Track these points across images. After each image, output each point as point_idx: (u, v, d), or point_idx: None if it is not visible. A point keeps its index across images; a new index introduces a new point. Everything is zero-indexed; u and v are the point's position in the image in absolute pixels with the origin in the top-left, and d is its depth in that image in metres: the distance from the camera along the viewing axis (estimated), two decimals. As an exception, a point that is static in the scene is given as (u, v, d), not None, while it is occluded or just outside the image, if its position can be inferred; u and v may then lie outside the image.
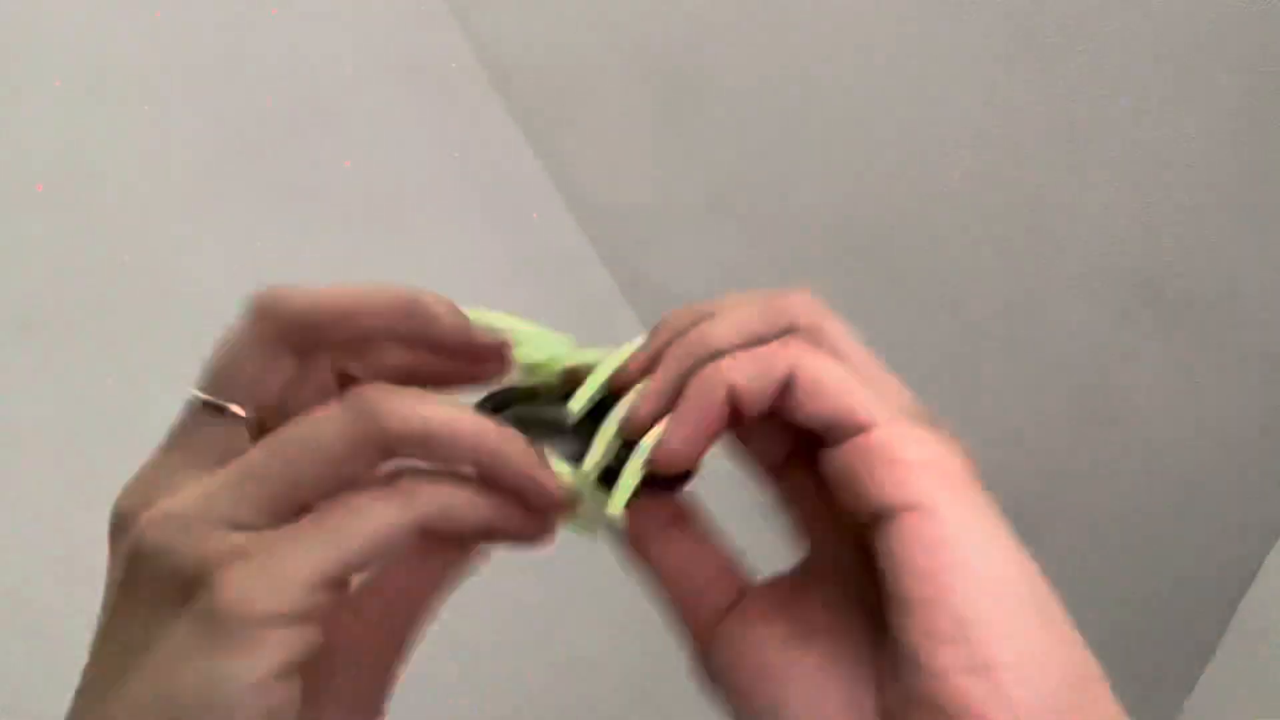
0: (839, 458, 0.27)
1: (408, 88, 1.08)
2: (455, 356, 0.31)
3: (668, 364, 0.30)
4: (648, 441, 0.29)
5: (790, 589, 0.30)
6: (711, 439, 0.29)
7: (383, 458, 0.27)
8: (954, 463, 0.27)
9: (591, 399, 0.31)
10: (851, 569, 0.29)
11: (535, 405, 0.32)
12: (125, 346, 0.88)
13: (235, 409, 0.29)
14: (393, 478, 0.27)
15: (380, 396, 0.27)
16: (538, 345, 0.32)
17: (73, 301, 0.86)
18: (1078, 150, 1.04)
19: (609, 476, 0.30)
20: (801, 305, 0.30)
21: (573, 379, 0.31)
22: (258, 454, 0.27)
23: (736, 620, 0.30)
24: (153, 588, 0.26)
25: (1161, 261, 1.06)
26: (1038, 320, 1.13)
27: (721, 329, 0.29)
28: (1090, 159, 1.04)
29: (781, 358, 0.28)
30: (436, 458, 0.27)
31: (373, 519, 0.26)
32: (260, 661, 0.25)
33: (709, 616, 0.31)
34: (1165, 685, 1.16)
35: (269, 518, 0.26)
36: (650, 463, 0.29)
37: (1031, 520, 1.22)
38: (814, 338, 0.29)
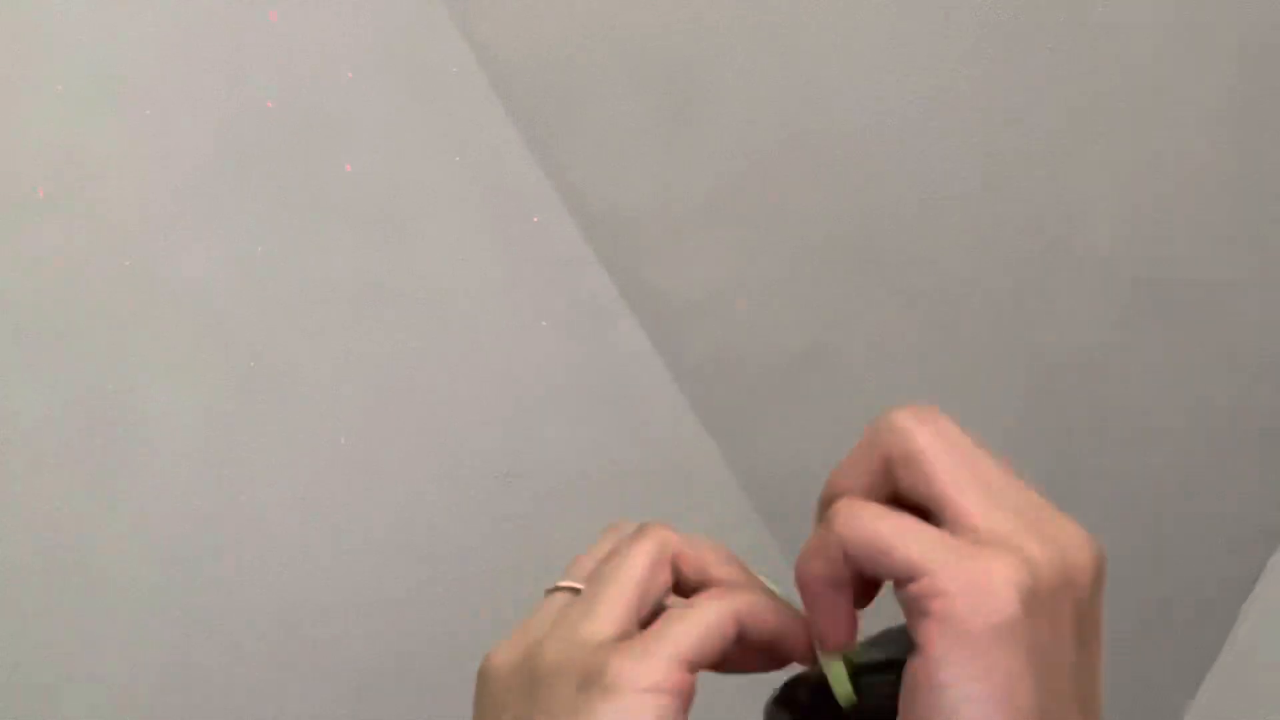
0: (899, 594, 0.32)
1: (408, 91, 1.08)
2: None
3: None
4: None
5: None
6: (852, 614, 0.36)
7: (679, 578, 0.38)
8: (976, 620, 0.29)
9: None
10: None
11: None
12: (126, 351, 0.88)
13: (577, 585, 0.38)
14: (714, 589, 0.37)
15: (660, 532, 0.38)
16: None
17: (73, 305, 0.86)
18: (1077, 152, 1.04)
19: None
20: (890, 440, 0.34)
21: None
22: (591, 588, 0.37)
23: None
24: (555, 688, 0.34)
25: (1161, 262, 1.06)
26: (1037, 322, 1.13)
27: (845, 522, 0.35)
28: (1089, 160, 1.04)
29: (829, 537, 0.33)
30: (703, 571, 0.38)
31: (706, 611, 0.35)
32: (646, 716, 0.32)
33: None
34: (1167, 689, 1.16)
35: (623, 629, 0.35)
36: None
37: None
38: (906, 465, 0.34)
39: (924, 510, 0.33)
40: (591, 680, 0.33)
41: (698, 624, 0.34)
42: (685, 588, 0.38)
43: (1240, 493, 1.12)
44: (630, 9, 1.10)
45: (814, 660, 0.37)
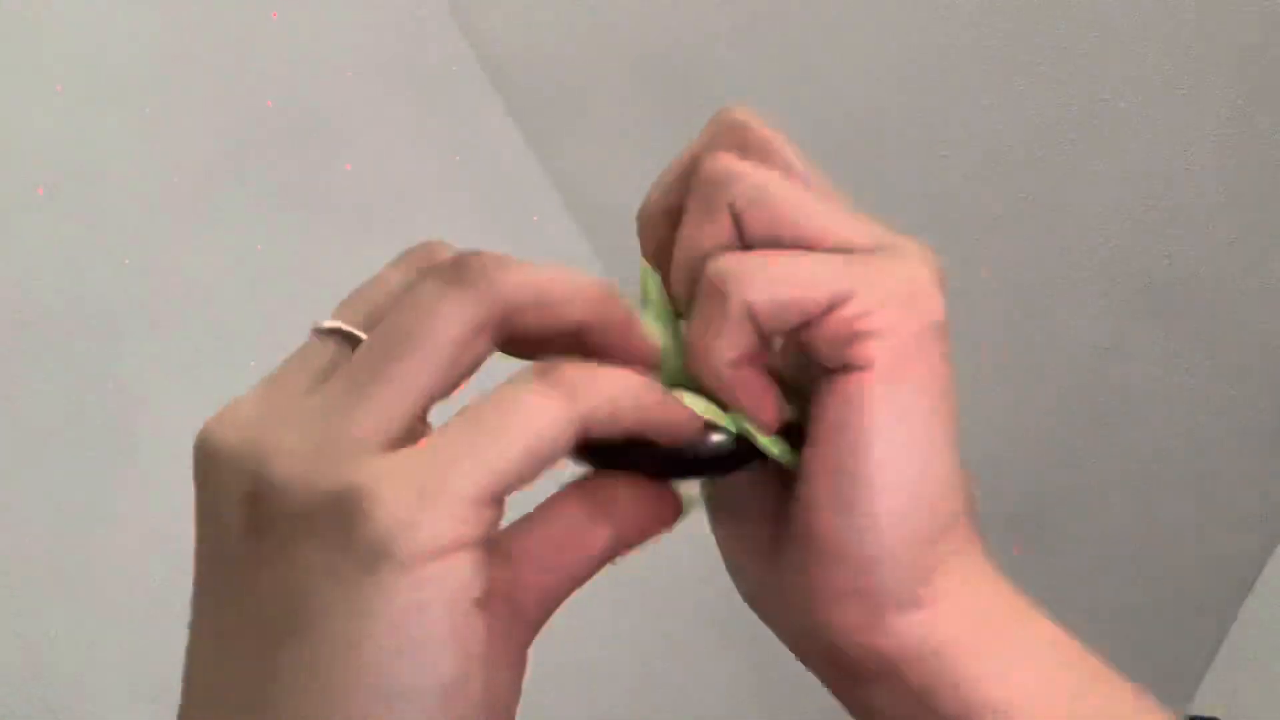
0: (814, 331, 0.28)
1: (408, 90, 1.08)
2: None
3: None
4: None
5: None
6: (772, 383, 0.29)
7: (500, 334, 0.25)
8: (910, 326, 0.27)
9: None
10: None
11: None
12: (125, 349, 0.88)
13: (357, 332, 0.26)
14: (547, 367, 0.25)
15: (484, 264, 0.25)
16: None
17: (73, 304, 0.86)
18: (1078, 153, 1.04)
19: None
20: (737, 189, 0.29)
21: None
22: (368, 357, 0.24)
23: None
24: (295, 528, 0.23)
25: (1162, 263, 1.06)
26: (1039, 323, 1.13)
27: (691, 235, 0.29)
28: (1090, 162, 1.04)
29: (726, 303, 0.27)
30: (550, 323, 0.25)
31: (532, 416, 0.23)
32: (443, 596, 0.22)
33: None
34: (1170, 686, 1.16)
35: (403, 427, 0.24)
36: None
37: (1034, 521, 1.22)
38: (758, 210, 0.28)
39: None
40: (350, 525, 0.22)
41: (517, 440, 0.23)
42: (524, 345, 0.26)
43: (1240, 492, 1.12)
44: (630, 9, 1.10)
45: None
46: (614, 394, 0.25)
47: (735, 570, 0.32)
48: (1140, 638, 1.19)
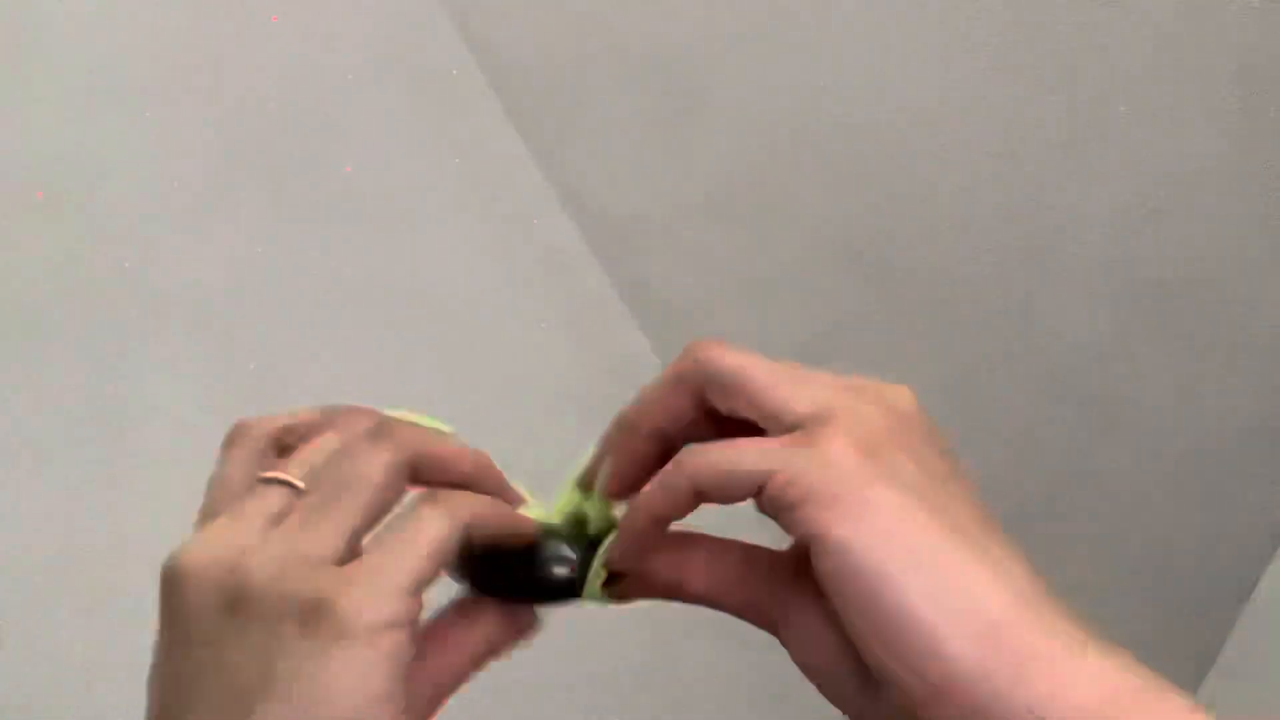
0: (760, 504, 0.33)
1: (408, 93, 1.08)
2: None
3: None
4: (602, 552, 0.37)
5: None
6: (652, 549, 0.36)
7: (411, 479, 0.34)
8: (843, 487, 0.31)
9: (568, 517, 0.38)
10: None
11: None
12: (125, 352, 0.88)
13: (298, 483, 0.34)
14: (429, 495, 0.34)
15: (402, 432, 0.34)
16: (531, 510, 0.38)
17: (73, 305, 0.86)
18: (1077, 154, 1.04)
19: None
20: (696, 372, 0.35)
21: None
22: (318, 501, 0.33)
23: (795, 599, 0.35)
24: (269, 621, 0.30)
25: (1162, 265, 1.06)
26: (1038, 325, 1.13)
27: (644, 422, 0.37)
28: (1090, 163, 1.04)
29: (678, 475, 0.34)
30: (446, 477, 0.35)
31: (430, 527, 0.32)
32: (381, 662, 0.30)
33: (767, 609, 0.36)
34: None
35: (348, 547, 0.32)
36: (608, 565, 0.37)
37: (1034, 524, 1.22)
38: (718, 388, 0.35)
39: (749, 424, 0.35)
40: (317, 617, 0.30)
41: (424, 546, 0.32)
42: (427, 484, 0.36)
43: (1240, 493, 1.12)
44: (629, 11, 1.10)
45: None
46: (476, 508, 0.34)
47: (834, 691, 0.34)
48: (1139, 642, 1.19)
